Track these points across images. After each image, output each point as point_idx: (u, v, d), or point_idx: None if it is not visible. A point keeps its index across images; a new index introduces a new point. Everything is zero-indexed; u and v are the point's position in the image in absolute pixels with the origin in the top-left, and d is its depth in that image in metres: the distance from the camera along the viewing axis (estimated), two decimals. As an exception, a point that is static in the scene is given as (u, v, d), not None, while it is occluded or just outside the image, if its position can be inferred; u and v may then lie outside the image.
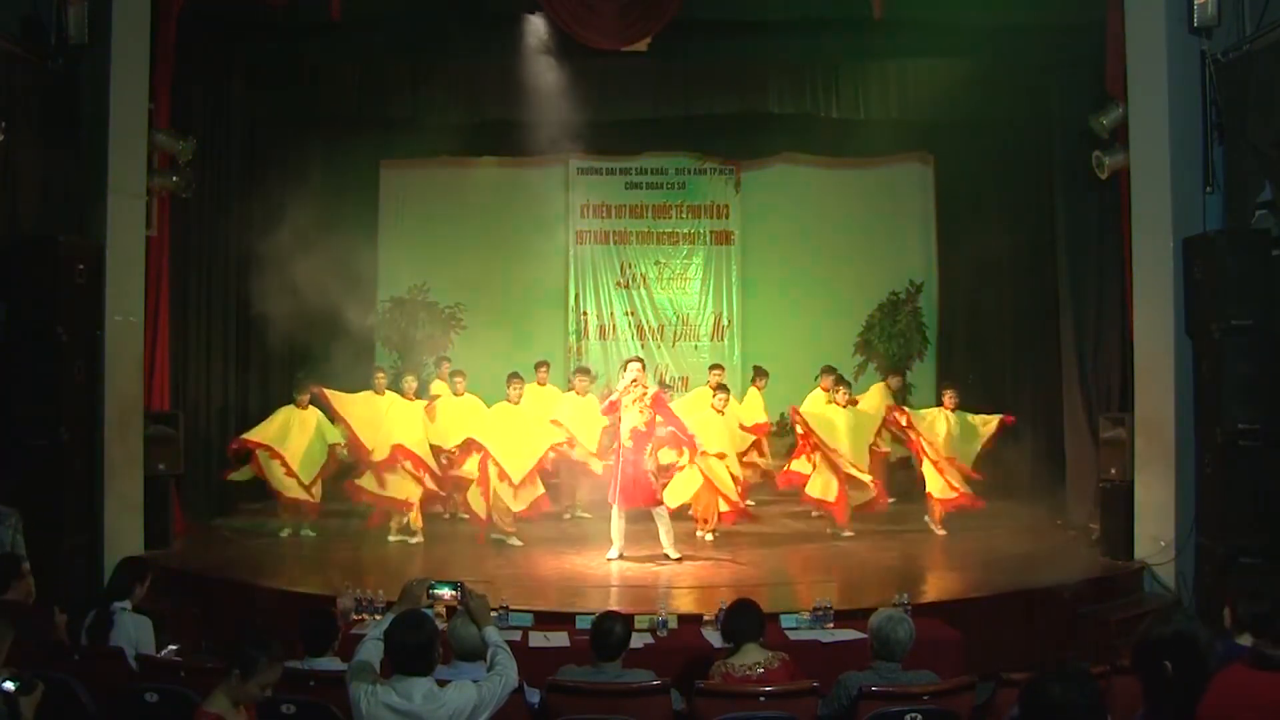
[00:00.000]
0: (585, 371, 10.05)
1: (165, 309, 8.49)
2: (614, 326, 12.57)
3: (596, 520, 9.12)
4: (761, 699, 4.14)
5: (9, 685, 3.06)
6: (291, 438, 8.78)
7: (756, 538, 8.86)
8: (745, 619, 4.56)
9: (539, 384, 9.77)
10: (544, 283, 12.33)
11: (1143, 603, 7.36)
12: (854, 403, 9.41)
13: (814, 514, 9.48)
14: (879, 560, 8.21)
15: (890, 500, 9.62)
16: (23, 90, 7.26)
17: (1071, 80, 9.03)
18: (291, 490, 8.74)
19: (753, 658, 4.42)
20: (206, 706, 3.32)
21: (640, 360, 8.44)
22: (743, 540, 8.64)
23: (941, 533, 8.97)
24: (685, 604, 6.66)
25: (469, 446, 8.64)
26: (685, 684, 4.47)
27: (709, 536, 8.68)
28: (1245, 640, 4.73)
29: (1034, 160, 10.01)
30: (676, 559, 7.86)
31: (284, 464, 8.70)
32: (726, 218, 12.63)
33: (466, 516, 8.81)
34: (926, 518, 9.18)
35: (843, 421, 8.92)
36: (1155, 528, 7.54)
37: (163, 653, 4.91)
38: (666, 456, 8.89)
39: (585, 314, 12.58)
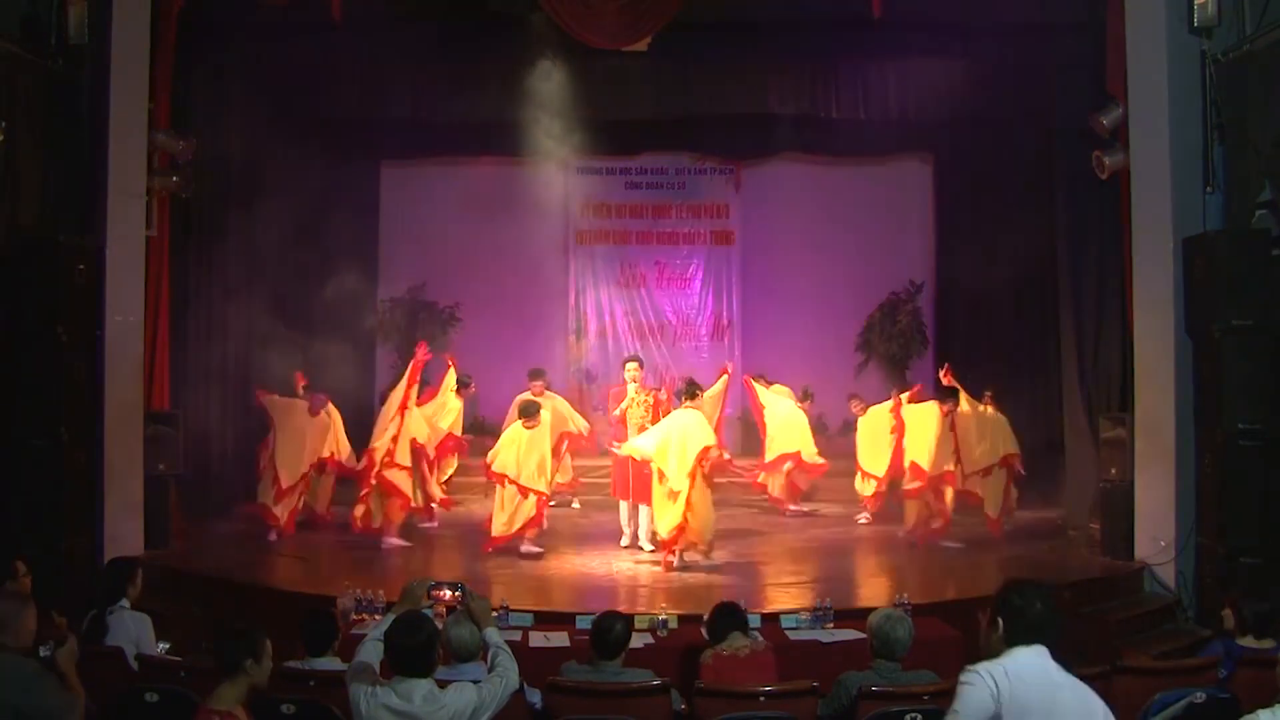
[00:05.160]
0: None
1: (165, 309, 8.48)
2: (614, 326, 12.57)
3: (595, 519, 9.12)
4: (761, 699, 4.15)
5: (43, 651, 3.52)
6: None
7: (756, 538, 8.86)
8: (726, 617, 4.79)
9: (535, 394, 9.11)
10: (544, 283, 12.33)
11: (1143, 603, 7.37)
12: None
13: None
14: (879, 560, 8.21)
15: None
16: (23, 90, 7.26)
17: (1071, 80, 9.02)
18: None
19: (738, 643, 4.66)
20: (212, 704, 3.31)
21: (638, 360, 8.67)
22: (743, 540, 8.63)
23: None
24: (685, 604, 6.65)
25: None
26: (685, 684, 4.48)
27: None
28: (1248, 641, 4.74)
29: (1034, 160, 10.01)
30: (649, 550, 8.06)
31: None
32: (726, 218, 12.63)
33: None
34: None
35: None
36: (1155, 528, 7.54)
37: (157, 650, 4.92)
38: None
39: (585, 314, 12.58)
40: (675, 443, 7.48)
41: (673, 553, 7.60)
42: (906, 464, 8.68)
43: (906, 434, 8.75)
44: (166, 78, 8.20)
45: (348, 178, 11.53)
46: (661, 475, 7.51)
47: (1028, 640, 2.74)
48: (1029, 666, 2.70)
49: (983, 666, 2.74)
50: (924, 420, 8.67)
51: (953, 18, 8.56)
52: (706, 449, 7.46)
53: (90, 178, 7.69)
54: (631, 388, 8.40)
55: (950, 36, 9.02)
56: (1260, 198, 7.06)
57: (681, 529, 7.42)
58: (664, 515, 7.52)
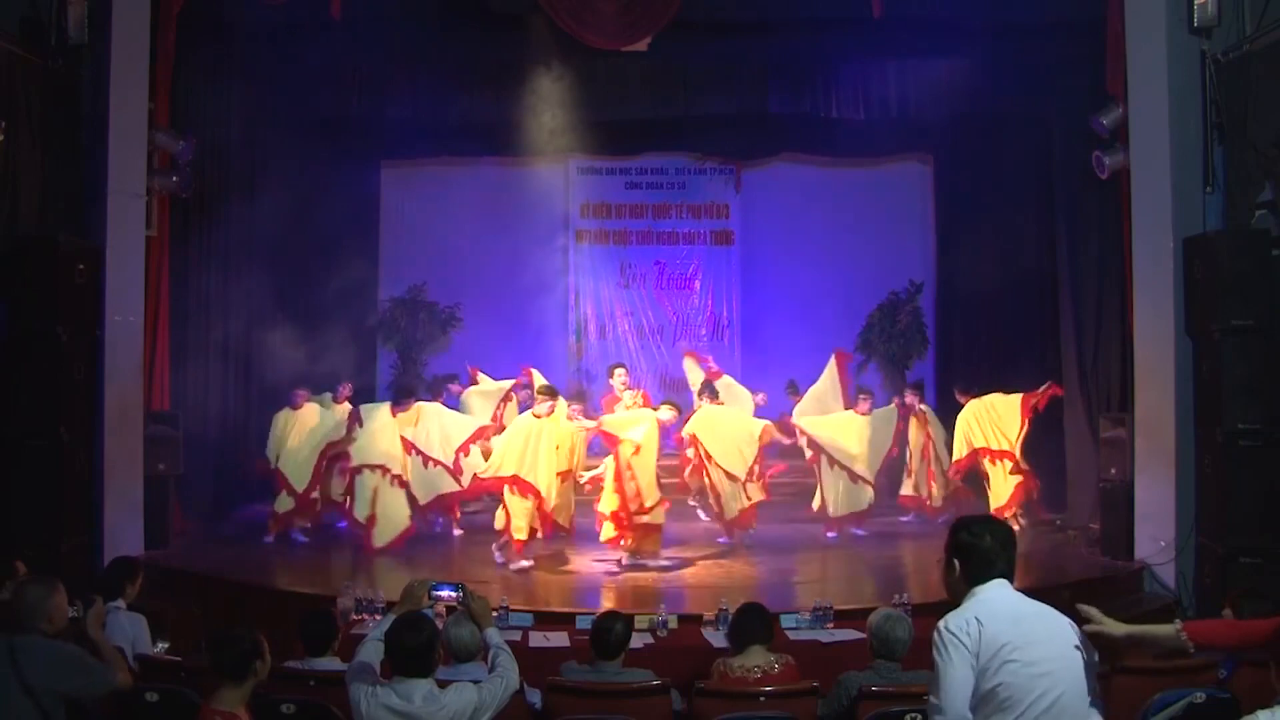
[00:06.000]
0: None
1: (165, 309, 8.49)
2: (614, 326, 12.58)
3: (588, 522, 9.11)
4: (761, 699, 4.15)
5: (72, 612, 3.79)
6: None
7: (756, 538, 8.84)
8: (751, 622, 4.55)
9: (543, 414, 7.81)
10: (544, 283, 12.33)
11: (1143, 603, 7.36)
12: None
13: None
14: (879, 560, 8.20)
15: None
16: (23, 90, 7.26)
17: (1071, 80, 9.02)
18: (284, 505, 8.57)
19: (755, 660, 4.41)
20: (215, 705, 3.31)
21: (623, 365, 9.01)
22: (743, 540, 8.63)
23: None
24: (685, 604, 6.65)
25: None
26: (685, 684, 4.48)
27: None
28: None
29: (1034, 160, 10.01)
30: None
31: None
32: (726, 218, 12.65)
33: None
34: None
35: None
36: (1155, 528, 7.54)
37: (155, 649, 4.92)
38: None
39: (585, 314, 12.59)
40: (729, 435, 8.16)
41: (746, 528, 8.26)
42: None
43: (998, 425, 8.92)
44: (166, 78, 8.20)
45: (348, 177, 11.54)
46: (726, 472, 8.13)
47: (986, 575, 2.74)
48: (997, 603, 2.70)
49: (953, 622, 2.68)
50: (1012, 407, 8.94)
51: (953, 18, 8.56)
52: (766, 430, 8.30)
53: (90, 178, 7.69)
54: (626, 394, 8.45)
55: (950, 36, 9.02)
56: (1260, 198, 7.06)
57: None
58: (735, 502, 8.17)
